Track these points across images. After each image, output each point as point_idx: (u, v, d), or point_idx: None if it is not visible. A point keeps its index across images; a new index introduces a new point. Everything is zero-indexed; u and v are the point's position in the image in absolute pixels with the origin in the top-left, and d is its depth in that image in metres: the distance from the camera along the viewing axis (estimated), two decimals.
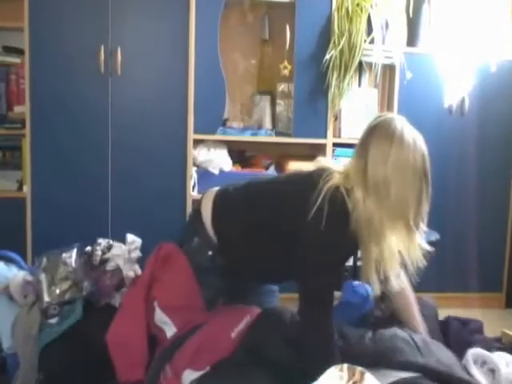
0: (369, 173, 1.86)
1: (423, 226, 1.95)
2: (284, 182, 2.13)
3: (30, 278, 1.87)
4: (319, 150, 3.82)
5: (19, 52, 3.43)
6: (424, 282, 2.10)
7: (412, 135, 1.93)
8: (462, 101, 3.87)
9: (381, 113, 1.87)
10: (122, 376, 1.78)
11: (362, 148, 1.92)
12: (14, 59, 3.50)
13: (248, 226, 1.96)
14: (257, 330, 1.88)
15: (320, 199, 1.83)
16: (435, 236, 3.09)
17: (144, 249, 2.08)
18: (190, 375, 1.71)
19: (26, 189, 3.38)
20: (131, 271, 1.93)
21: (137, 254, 1.95)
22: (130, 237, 2.02)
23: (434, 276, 2.33)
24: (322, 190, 1.86)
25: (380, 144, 1.89)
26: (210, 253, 1.97)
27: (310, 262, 1.85)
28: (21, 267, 1.97)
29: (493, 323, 2.61)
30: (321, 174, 1.94)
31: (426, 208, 1.93)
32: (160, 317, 1.88)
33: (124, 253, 1.93)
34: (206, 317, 1.89)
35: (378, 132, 1.92)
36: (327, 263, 1.85)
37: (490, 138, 3.93)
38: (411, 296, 2.19)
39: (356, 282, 2.25)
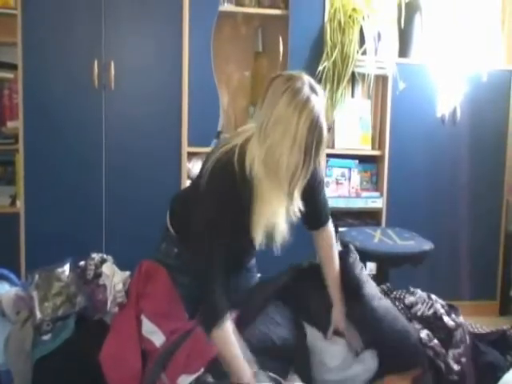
0: (257, 120, 1.82)
1: (296, 198, 1.88)
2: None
3: (22, 293, 1.87)
4: None
5: (12, 67, 3.44)
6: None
7: (311, 102, 1.75)
8: (454, 110, 3.88)
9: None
10: None
11: (262, 99, 1.83)
12: (7, 74, 3.50)
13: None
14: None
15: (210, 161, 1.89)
16: (429, 245, 3.10)
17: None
18: (185, 379, 1.72)
19: (20, 204, 3.38)
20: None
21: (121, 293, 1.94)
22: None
23: (428, 284, 2.33)
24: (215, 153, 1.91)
25: (274, 92, 1.78)
26: (176, 250, 2.13)
27: (195, 220, 1.92)
28: (13, 283, 1.96)
29: None
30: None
31: (300, 181, 1.82)
32: (147, 327, 1.90)
33: (113, 273, 1.93)
34: (192, 324, 1.91)
35: (281, 81, 1.80)
36: (210, 220, 1.87)
37: (482, 146, 3.95)
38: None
39: None
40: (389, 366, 1.84)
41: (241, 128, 2.08)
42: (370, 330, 1.87)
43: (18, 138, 3.33)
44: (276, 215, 1.91)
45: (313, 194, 2.11)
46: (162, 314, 1.94)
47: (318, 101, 1.78)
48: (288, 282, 2.10)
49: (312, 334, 1.90)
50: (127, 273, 1.98)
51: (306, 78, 1.81)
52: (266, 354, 1.84)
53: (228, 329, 1.86)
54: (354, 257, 2.17)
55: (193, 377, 1.73)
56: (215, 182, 1.88)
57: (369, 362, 1.83)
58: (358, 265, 2.13)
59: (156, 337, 1.88)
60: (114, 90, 3.37)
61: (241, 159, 1.86)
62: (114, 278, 1.92)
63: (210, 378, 1.76)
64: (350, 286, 1.97)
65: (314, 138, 1.76)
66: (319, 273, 2.13)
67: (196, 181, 2.08)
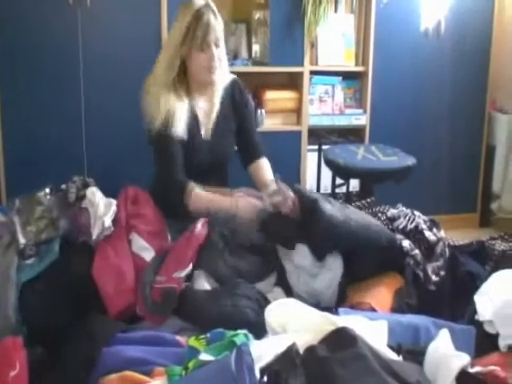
0: None
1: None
2: None
3: (3, 219, 1.86)
4: (297, 78, 3.80)
5: None
6: (402, 204, 2.14)
7: (199, 3, 2.35)
8: (438, 24, 3.83)
9: None
10: (112, 306, 1.79)
11: None
12: None
13: None
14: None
15: None
16: (411, 160, 3.12)
17: (120, 185, 2.09)
18: (180, 273, 1.77)
19: None
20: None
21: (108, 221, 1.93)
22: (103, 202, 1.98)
23: (410, 198, 2.36)
24: None
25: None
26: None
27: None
28: None
29: None
30: None
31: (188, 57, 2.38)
32: (139, 244, 1.92)
33: (98, 200, 1.92)
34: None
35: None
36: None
37: (465, 59, 3.94)
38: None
39: None
40: (365, 265, 1.89)
41: None
42: (335, 236, 1.88)
43: None
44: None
45: (242, 121, 2.54)
46: (153, 232, 1.97)
47: (208, 7, 2.35)
48: None
49: (283, 251, 1.93)
50: (113, 202, 1.97)
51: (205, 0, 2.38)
52: (246, 251, 1.89)
53: (197, 190, 2.24)
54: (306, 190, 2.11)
55: (185, 271, 1.77)
56: None
57: (335, 267, 1.87)
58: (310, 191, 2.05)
59: (147, 253, 1.90)
60: (90, 6, 3.28)
61: None
62: (99, 207, 1.91)
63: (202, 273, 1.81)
64: (306, 206, 1.91)
65: (198, 24, 2.31)
66: None
67: None
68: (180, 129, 2.35)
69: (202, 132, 2.47)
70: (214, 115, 2.48)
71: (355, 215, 1.92)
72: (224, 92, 2.51)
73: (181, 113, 2.36)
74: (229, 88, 2.54)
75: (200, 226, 1.91)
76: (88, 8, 3.28)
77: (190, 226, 1.94)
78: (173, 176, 2.31)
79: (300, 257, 1.87)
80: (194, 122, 2.43)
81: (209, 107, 2.49)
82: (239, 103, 2.55)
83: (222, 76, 2.49)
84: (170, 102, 2.36)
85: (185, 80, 2.43)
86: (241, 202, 2.12)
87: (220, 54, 2.42)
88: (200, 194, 2.24)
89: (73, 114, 3.37)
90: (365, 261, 1.90)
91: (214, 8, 2.39)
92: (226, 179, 2.61)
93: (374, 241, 1.88)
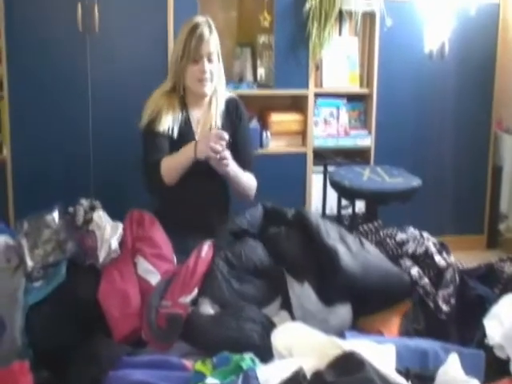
0: None
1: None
2: None
3: (11, 241, 1.87)
4: (302, 100, 3.81)
5: None
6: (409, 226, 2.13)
7: (197, 19, 2.57)
8: (442, 45, 3.85)
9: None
10: (117, 330, 1.79)
11: None
12: None
13: None
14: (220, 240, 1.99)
15: None
16: (417, 181, 3.13)
17: (125, 208, 2.09)
18: (185, 298, 1.77)
19: (6, 151, 3.36)
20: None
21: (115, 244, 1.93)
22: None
23: (416, 220, 2.36)
24: None
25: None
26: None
27: None
28: (2, 232, 1.96)
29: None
30: None
31: (186, 72, 2.58)
32: (144, 267, 1.91)
33: (104, 224, 1.92)
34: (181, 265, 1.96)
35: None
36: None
37: (470, 80, 3.95)
38: None
39: None
40: (376, 306, 1.86)
41: None
42: (352, 289, 1.84)
43: (3, 85, 3.28)
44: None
45: (235, 133, 2.64)
46: (158, 254, 1.97)
47: (206, 22, 2.55)
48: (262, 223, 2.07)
49: (290, 280, 1.90)
50: (120, 225, 1.97)
51: (206, 18, 2.60)
52: (251, 275, 1.87)
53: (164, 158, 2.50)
54: (315, 219, 1.96)
55: (190, 296, 1.78)
56: None
57: (344, 312, 1.83)
58: (323, 227, 1.92)
59: (152, 276, 1.90)
60: (99, 32, 3.31)
61: None
62: (106, 229, 1.91)
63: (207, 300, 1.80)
64: (323, 256, 1.84)
65: (193, 36, 2.51)
66: (295, 223, 2.02)
67: None
68: (165, 125, 2.56)
69: (196, 138, 2.61)
70: (208, 125, 2.63)
71: (373, 261, 1.85)
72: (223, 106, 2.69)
73: (168, 112, 2.57)
74: (226, 103, 2.70)
75: (206, 250, 1.91)
76: (96, 34, 3.31)
77: (197, 245, 1.94)
78: (149, 160, 2.54)
79: (307, 301, 1.83)
80: (187, 129, 2.63)
81: (203, 117, 2.66)
82: (232, 114, 2.68)
83: (219, 91, 2.66)
84: (160, 102, 2.60)
85: (184, 92, 2.64)
86: (198, 145, 2.43)
87: (213, 68, 2.58)
88: (165, 160, 2.50)
89: (81, 136, 3.39)
90: (377, 304, 1.86)
91: (212, 24, 2.58)
92: (222, 184, 2.67)
93: (390, 288, 1.85)
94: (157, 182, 2.52)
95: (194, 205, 2.57)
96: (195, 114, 2.67)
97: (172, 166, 2.50)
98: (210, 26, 2.56)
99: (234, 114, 2.69)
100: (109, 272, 1.88)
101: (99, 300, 1.82)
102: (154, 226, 2.05)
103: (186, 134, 2.61)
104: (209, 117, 2.65)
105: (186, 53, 2.53)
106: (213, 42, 2.56)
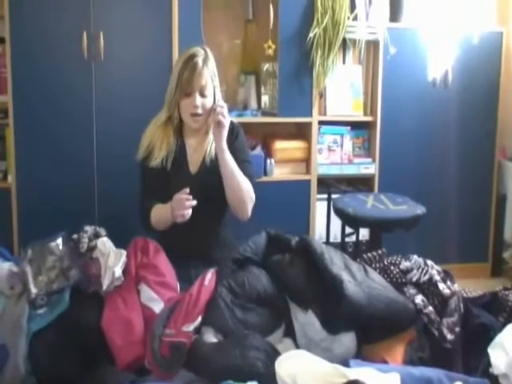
0: None
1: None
2: None
3: (15, 268, 1.87)
4: (305, 128, 3.83)
5: (0, 41, 3.39)
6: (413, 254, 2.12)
7: (193, 50, 2.54)
8: (446, 74, 3.88)
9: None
10: (121, 357, 1.78)
11: None
12: None
13: None
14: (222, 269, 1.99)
15: None
16: (421, 209, 3.12)
17: (129, 235, 2.09)
18: (188, 327, 1.76)
19: (11, 179, 3.37)
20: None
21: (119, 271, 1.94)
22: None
23: (419, 247, 2.36)
24: None
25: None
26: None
27: None
28: (6, 259, 1.96)
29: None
30: None
31: (181, 105, 2.57)
32: (148, 295, 1.91)
33: (108, 251, 1.93)
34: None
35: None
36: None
37: (473, 108, 3.96)
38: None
39: None
40: (380, 334, 1.85)
41: None
42: (357, 319, 1.84)
43: (8, 113, 3.31)
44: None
45: (231, 152, 2.54)
46: (162, 282, 1.97)
47: (202, 54, 2.52)
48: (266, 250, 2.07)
49: (293, 307, 1.89)
50: (123, 252, 1.97)
51: (202, 48, 2.58)
52: (255, 303, 1.86)
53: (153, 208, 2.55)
54: (319, 247, 1.95)
55: (194, 324, 1.77)
56: None
57: (348, 341, 1.83)
58: (328, 255, 1.92)
59: (155, 304, 1.89)
60: (104, 60, 3.35)
61: None
62: (110, 257, 1.91)
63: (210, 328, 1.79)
64: (328, 284, 1.84)
65: (187, 68, 2.49)
66: (300, 251, 2.01)
67: None
68: (159, 159, 2.57)
69: (190, 166, 2.62)
70: (203, 153, 2.61)
71: (377, 289, 1.84)
72: None
73: (162, 144, 2.58)
74: None
75: (209, 278, 1.91)
76: (102, 61, 3.35)
77: (199, 274, 1.95)
78: (142, 204, 2.61)
79: (311, 329, 1.82)
80: (181, 158, 2.61)
81: (200, 144, 2.64)
82: (228, 135, 2.55)
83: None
84: (155, 134, 2.61)
85: (180, 121, 2.62)
86: (173, 202, 2.40)
87: (206, 102, 2.54)
88: (154, 211, 2.55)
89: (86, 163, 3.41)
90: (382, 332, 1.86)
91: (209, 55, 2.57)
92: (218, 213, 2.67)
93: (395, 317, 1.84)
94: (149, 227, 2.58)
95: (192, 234, 2.53)
96: (191, 142, 2.65)
97: (158, 219, 2.55)
98: (205, 58, 2.53)
99: (229, 136, 2.59)
100: (112, 299, 1.88)
101: (103, 327, 1.82)
102: (158, 254, 2.05)
103: (180, 163, 2.60)
104: (205, 144, 2.63)
105: (178, 85, 2.52)
106: (207, 75, 2.52)
